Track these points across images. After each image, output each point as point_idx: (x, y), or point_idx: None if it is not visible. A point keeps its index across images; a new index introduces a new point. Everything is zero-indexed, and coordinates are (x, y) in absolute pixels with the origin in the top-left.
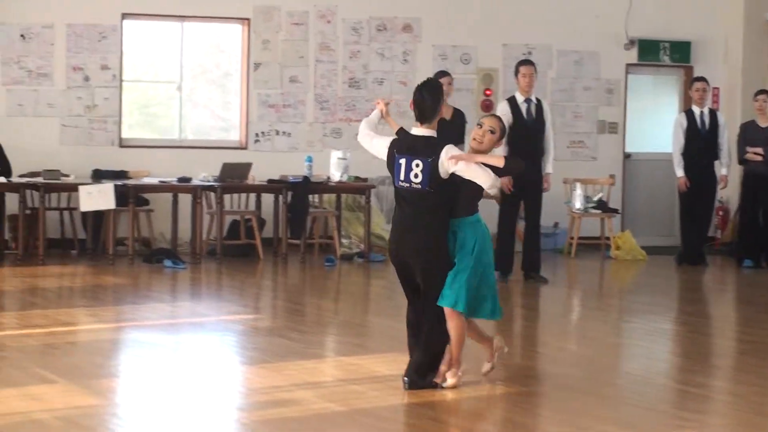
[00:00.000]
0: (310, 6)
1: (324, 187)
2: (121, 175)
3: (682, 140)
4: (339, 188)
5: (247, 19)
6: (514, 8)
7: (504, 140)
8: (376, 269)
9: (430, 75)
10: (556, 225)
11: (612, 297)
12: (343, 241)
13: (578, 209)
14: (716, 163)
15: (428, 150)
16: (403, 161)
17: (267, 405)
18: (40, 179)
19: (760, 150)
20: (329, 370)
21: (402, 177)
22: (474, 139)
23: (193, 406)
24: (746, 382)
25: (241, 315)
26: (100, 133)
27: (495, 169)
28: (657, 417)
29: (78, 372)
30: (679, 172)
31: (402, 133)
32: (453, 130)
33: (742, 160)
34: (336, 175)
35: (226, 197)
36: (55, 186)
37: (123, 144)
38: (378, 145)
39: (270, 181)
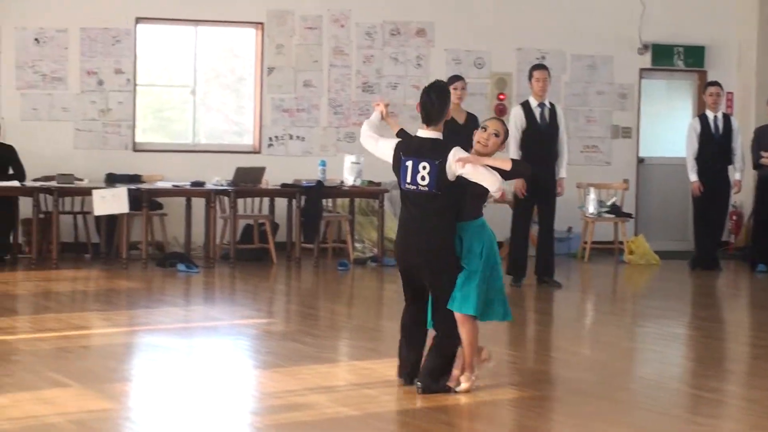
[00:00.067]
0: (324, 10)
1: (337, 191)
2: (135, 179)
3: (695, 145)
4: (352, 192)
5: (261, 24)
6: (527, 13)
7: (516, 144)
8: (389, 273)
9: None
10: (569, 229)
11: (625, 301)
12: (357, 245)
13: (592, 214)
14: (730, 167)
15: (435, 152)
16: (409, 163)
17: (280, 409)
18: (54, 183)
19: None
20: (343, 375)
21: (409, 179)
22: (478, 142)
23: (207, 410)
24: (760, 386)
25: (255, 319)
26: (113, 137)
27: (502, 173)
28: (670, 422)
29: (91, 376)
30: (693, 177)
31: (404, 134)
32: (466, 135)
33: (756, 165)
34: (349, 180)
35: (240, 201)
36: (69, 190)
37: (137, 148)
38: (383, 147)
39: (283, 185)
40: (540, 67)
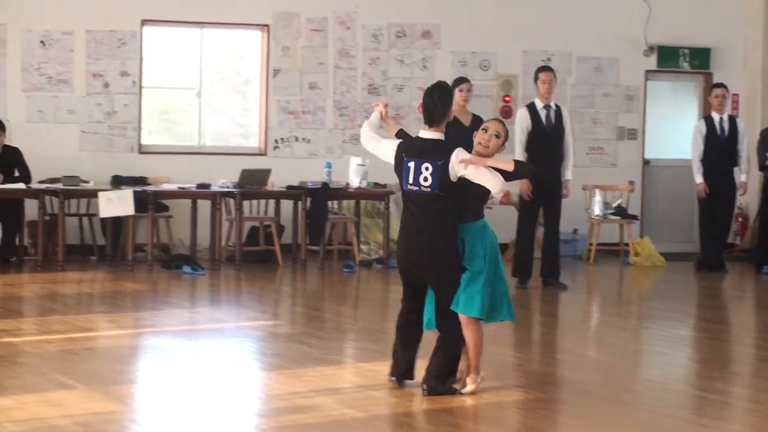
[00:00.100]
0: (330, 12)
1: (343, 193)
2: (141, 181)
3: (701, 147)
4: (358, 194)
5: (267, 26)
6: (533, 14)
7: (522, 146)
8: (395, 275)
9: (449, 81)
10: (575, 231)
11: (631, 303)
12: (362, 247)
13: (597, 215)
14: (736, 169)
15: (438, 153)
16: (412, 164)
17: (286, 411)
18: (59, 185)
19: None
20: (348, 377)
21: (411, 180)
22: (479, 143)
23: (212, 413)
24: (765, 388)
25: (260, 321)
26: (119, 140)
27: (504, 173)
28: (676, 423)
29: (97, 378)
30: (699, 179)
31: (403, 134)
32: (472, 137)
33: (762, 167)
34: (355, 182)
35: (245, 203)
36: (75, 192)
37: (142, 150)
38: (385, 148)
39: (289, 187)
40: (546, 69)
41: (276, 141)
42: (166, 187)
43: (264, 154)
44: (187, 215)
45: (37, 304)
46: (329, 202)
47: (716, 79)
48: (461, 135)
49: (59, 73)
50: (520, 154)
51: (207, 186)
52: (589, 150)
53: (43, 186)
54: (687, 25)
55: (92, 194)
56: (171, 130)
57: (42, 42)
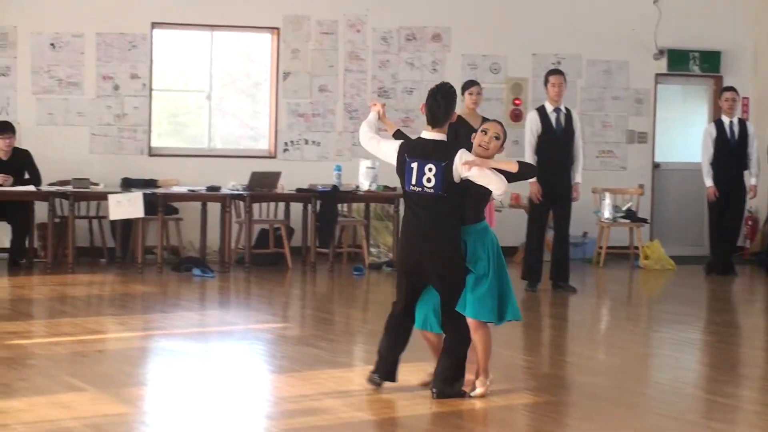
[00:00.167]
0: (340, 15)
1: (353, 196)
2: (151, 183)
3: (711, 150)
4: (368, 197)
5: (277, 29)
6: (543, 18)
7: (531, 149)
8: None
9: (459, 85)
10: (585, 234)
11: (640, 306)
12: (372, 250)
13: (607, 219)
14: (745, 173)
15: (441, 154)
16: (415, 165)
17: (295, 414)
18: (69, 188)
19: None
20: (358, 379)
21: (414, 181)
22: (479, 145)
23: (222, 415)
24: None
25: (270, 324)
26: (129, 142)
27: (506, 175)
28: (685, 427)
29: (107, 380)
30: (708, 182)
31: (400, 134)
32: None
33: None
34: (365, 184)
35: (255, 206)
36: (85, 195)
37: (152, 153)
38: (386, 149)
39: (299, 190)
40: (556, 72)
41: (286, 144)
42: (175, 189)
43: (274, 157)
44: (196, 218)
45: (46, 306)
46: (339, 205)
47: (726, 83)
48: (471, 138)
49: (69, 75)
50: (530, 157)
51: (217, 188)
52: (599, 153)
53: (53, 188)
54: (697, 29)
55: (102, 197)
56: (181, 133)
57: (52, 44)
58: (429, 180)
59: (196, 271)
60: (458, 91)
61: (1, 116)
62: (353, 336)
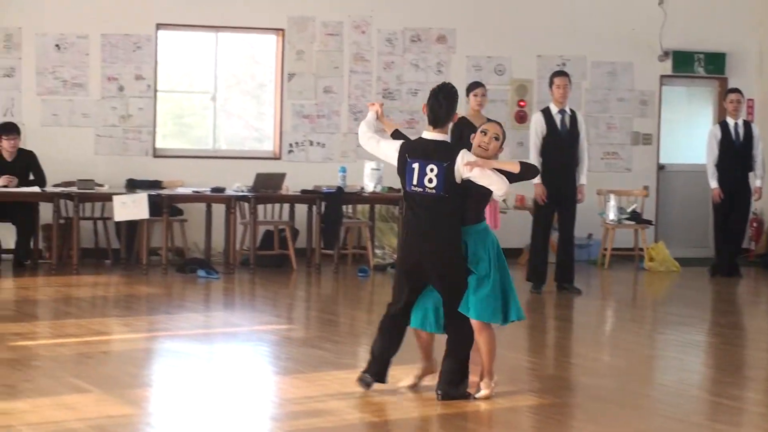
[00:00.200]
0: (345, 17)
1: (358, 197)
2: (155, 185)
3: (716, 152)
4: (372, 199)
5: (282, 30)
6: (548, 19)
7: (536, 151)
8: None
9: (464, 86)
10: (589, 236)
11: (645, 308)
12: (377, 251)
13: (612, 220)
14: (750, 174)
15: (443, 154)
16: (416, 165)
17: (300, 415)
18: (74, 189)
19: None
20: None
21: (415, 181)
22: (479, 146)
23: (227, 416)
24: None
25: (275, 325)
26: (134, 143)
27: (508, 175)
28: (690, 429)
29: (112, 381)
30: (713, 184)
31: (399, 134)
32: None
33: None
34: (370, 186)
35: (260, 207)
36: (90, 196)
37: (157, 154)
38: (386, 149)
39: (304, 191)
40: (561, 73)
41: (291, 145)
42: (180, 190)
43: (278, 158)
44: (201, 219)
45: (51, 307)
46: (344, 207)
47: (731, 84)
48: (471, 139)
49: (74, 76)
50: (534, 159)
51: (221, 190)
52: (603, 155)
53: (58, 189)
54: (702, 30)
55: (107, 198)
56: (186, 134)
57: (57, 45)
58: (431, 180)
59: (201, 273)
60: (463, 93)
61: (5, 117)
62: (358, 337)
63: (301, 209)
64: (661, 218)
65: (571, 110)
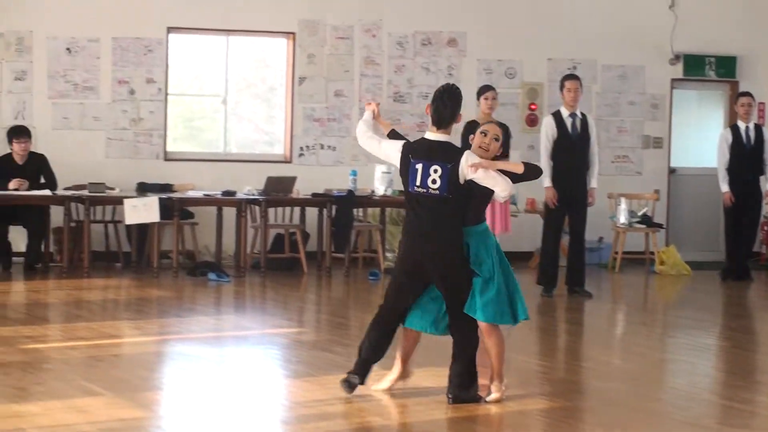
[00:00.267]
0: (356, 20)
1: (368, 201)
2: (166, 188)
3: (727, 155)
4: (383, 202)
5: (293, 33)
6: (559, 23)
7: (547, 154)
8: None
9: (475, 89)
10: (600, 240)
11: (656, 312)
12: (387, 254)
13: (623, 224)
14: (762, 178)
15: (447, 155)
16: (419, 166)
17: (311, 418)
18: (85, 192)
19: None
20: (372, 384)
21: (418, 182)
22: (480, 146)
23: (237, 419)
24: None
25: (285, 328)
26: (145, 147)
27: (511, 176)
28: None
29: (123, 384)
30: (724, 187)
31: (395, 134)
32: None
33: None
34: (380, 189)
35: (271, 211)
36: (100, 199)
37: (168, 157)
38: (387, 149)
39: (314, 194)
40: (571, 77)
41: (301, 148)
42: (191, 194)
43: (289, 162)
44: (212, 222)
45: (62, 310)
46: (354, 210)
47: (742, 88)
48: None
49: (85, 80)
50: (545, 162)
51: (232, 193)
52: (614, 158)
53: (69, 193)
54: (713, 34)
55: (118, 201)
56: (196, 138)
57: (68, 49)
58: (434, 181)
59: (212, 276)
60: (474, 96)
61: (17, 121)
62: None
63: (311, 212)
64: (672, 222)
65: (582, 114)
